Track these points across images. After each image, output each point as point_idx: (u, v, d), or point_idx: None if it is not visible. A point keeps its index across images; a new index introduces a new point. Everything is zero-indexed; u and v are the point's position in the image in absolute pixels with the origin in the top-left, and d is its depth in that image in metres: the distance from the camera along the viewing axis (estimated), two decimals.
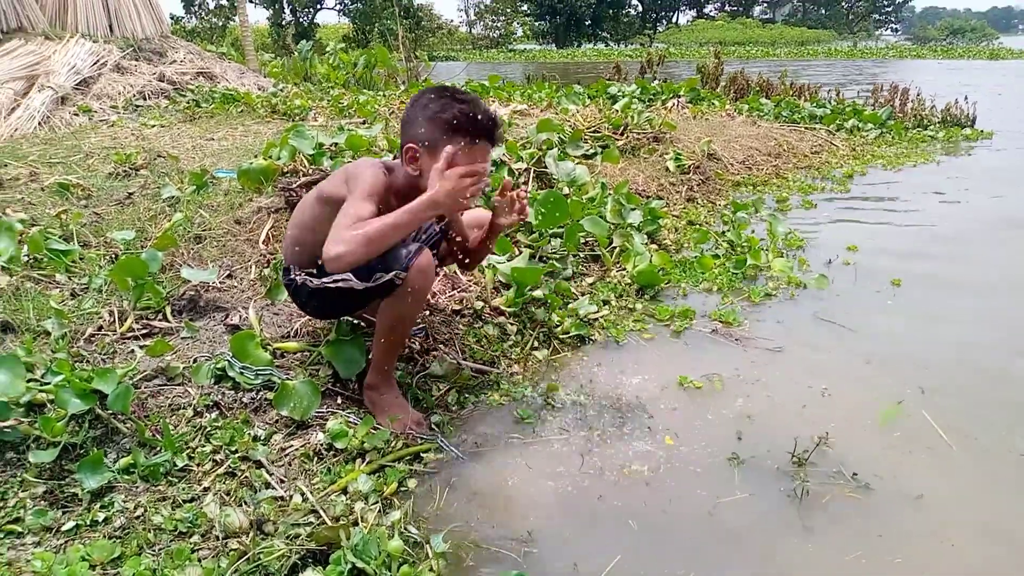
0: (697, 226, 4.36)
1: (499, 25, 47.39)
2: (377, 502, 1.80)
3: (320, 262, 2.07)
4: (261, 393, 2.13)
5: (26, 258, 2.59)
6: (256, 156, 3.78)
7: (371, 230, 1.84)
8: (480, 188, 1.95)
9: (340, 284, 2.09)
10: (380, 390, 2.20)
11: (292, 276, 2.21)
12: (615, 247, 3.65)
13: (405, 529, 1.72)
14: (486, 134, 1.98)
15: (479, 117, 1.96)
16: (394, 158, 2.01)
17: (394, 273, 2.00)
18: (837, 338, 2.94)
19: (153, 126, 5.41)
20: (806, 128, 7.75)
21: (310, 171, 3.53)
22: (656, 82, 9.20)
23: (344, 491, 1.83)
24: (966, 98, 9.22)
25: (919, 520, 1.87)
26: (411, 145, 1.98)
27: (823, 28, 57.59)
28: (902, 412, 2.35)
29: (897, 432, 2.26)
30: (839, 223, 4.65)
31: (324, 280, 2.13)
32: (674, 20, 61.11)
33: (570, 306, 3.02)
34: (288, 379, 2.13)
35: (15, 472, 1.76)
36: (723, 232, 4.10)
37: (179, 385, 2.10)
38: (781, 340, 2.89)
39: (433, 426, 2.19)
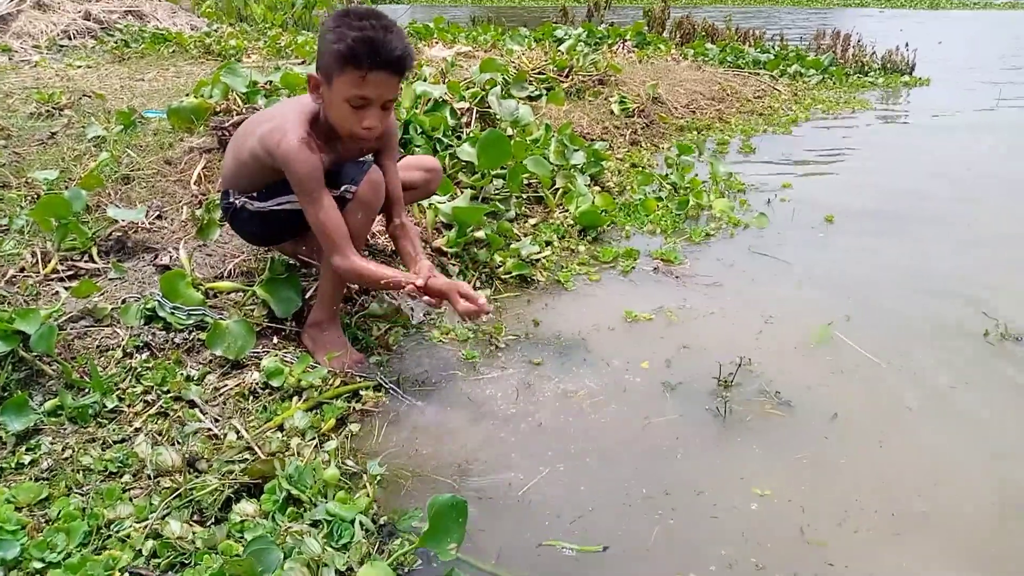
0: (640, 168, 4.37)
1: None
2: (314, 438, 1.79)
3: (260, 189, 2.14)
4: (194, 334, 2.08)
5: None
6: (187, 95, 3.63)
7: (366, 274, 2.01)
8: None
9: (286, 207, 2.10)
10: (323, 327, 2.17)
11: (231, 200, 2.19)
12: (558, 188, 3.64)
13: (342, 462, 1.73)
14: (383, 65, 1.81)
15: (374, 45, 1.78)
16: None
17: (344, 188, 2.01)
18: (772, 272, 3.02)
19: (79, 67, 5.15)
20: (750, 73, 7.79)
21: (243, 110, 3.41)
22: (603, 26, 9.11)
23: (280, 428, 1.82)
24: (906, 45, 9.36)
25: (833, 435, 1.97)
26: (312, 75, 1.92)
27: None
28: (830, 337, 2.44)
29: (825, 357, 2.36)
30: (778, 165, 4.73)
31: (268, 203, 2.13)
32: None
33: (512, 247, 3.01)
34: (221, 319, 2.09)
35: None
36: (666, 175, 4.12)
37: (107, 326, 2.04)
38: (720, 276, 2.95)
39: (372, 365, 2.18)
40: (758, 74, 7.82)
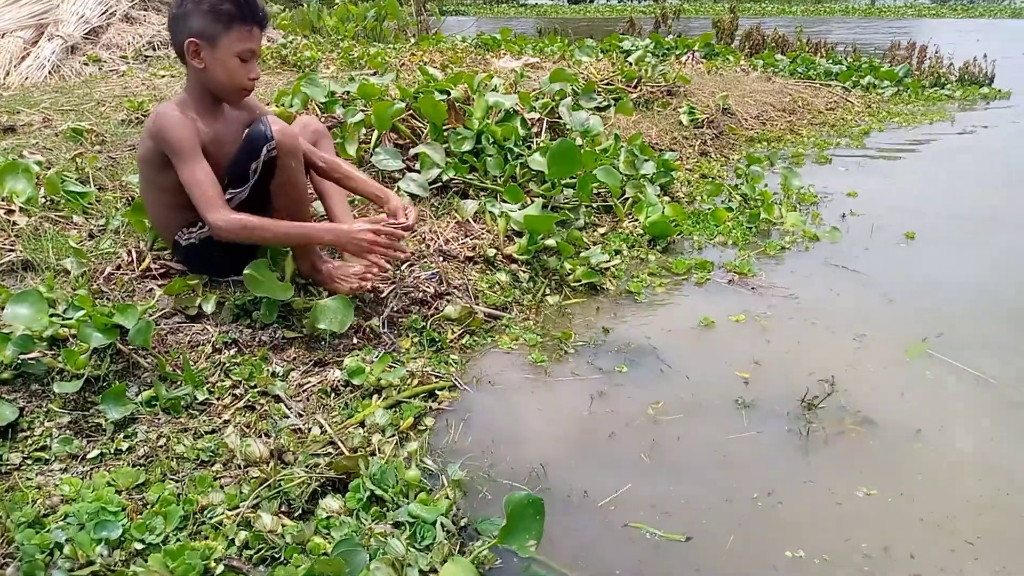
0: (710, 179, 4.34)
1: None
2: (394, 435, 1.84)
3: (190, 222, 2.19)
4: (279, 332, 2.16)
5: (43, 199, 2.60)
6: (268, 104, 3.76)
7: (256, 225, 2.04)
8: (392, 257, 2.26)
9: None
10: (317, 267, 2.33)
11: (187, 240, 2.21)
12: (628, 198, 3.64)
13: (421, 461, 1.76)
14: (264, 20, 2.09)
15: (255, 4, 2.05)
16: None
17: (264, 149, 2.05)
18: (852, 286, 2.96)
19: (163, 76, 5.38)
20: (821, 84, 7.65)
21: (322, 119, 3.51)
22: (670, 37, 9.07)
23: (361, 424, 1.86)
24: (984, 56, 9.05)
25: (919, 454, 1.91)
26: (193, 40, 2.03)
27: None
28: (925, 353, 2.38)
29: (909, 371, 2.30)
30: (853, 178, 4.62)
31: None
32: None
33: (582, 255, 3.03)
34: (319, 299, 2.21)
35: (40, 403, 1.79)
36: (736, 186, 4.08)
37: (197, 323, 2.12)
38: (798, 289, 2.90)
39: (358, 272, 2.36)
40: (830, 85, 7.67)
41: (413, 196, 3.15)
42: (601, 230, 3.41)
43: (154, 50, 6.58)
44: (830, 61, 8.68)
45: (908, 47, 9.56)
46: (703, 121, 5.22)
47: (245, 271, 2.11)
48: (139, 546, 1.43)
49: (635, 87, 5.29)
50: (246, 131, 2.10)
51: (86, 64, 5.77)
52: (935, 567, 1.54)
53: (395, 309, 2.41)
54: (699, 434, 1.99)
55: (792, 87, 7.08)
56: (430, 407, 2.02)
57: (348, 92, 3.86)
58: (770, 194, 3.87)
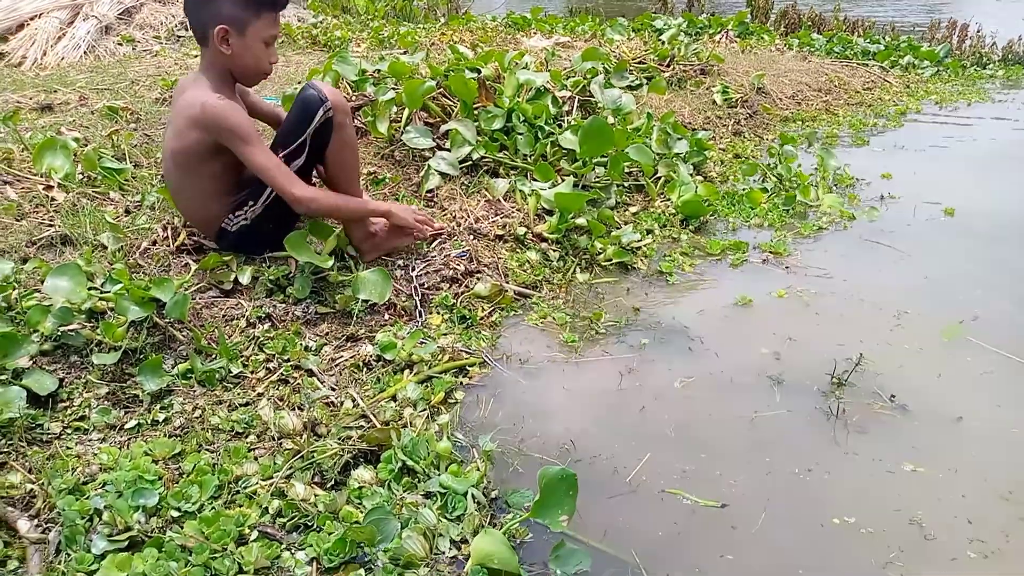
0: (744, 159, 4.27)
1: None
2: (425, 409, 1.84)
3: (236, 204, 2.20)
4: (312, 307, 2.17)
5: (81, 176, 2.64)
6: (300, 83, 3.77)
7: (340, 202, 2.23)
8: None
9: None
10: (370, 231, 2.39)
11: (236, 224, 2.22)
12: (660, 177, 3.60)
13: (452, 434, 1.77)
14: (283, 5, 2.12)
15: None
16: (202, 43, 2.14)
17: (320, 111, 2.09)
18: (890, 267, 2.90)
19: (195, 56, 5.42)
20: (858, 64, 7.47)
21: (353, 97, 3.51)
22: (704, 16, 8.91)
23: (393, 398, 1.87)
24: None
25: (953, 440, 1.89)
26: (223, 26, 2.03)
27: None
28: (961, 336, 2.34)
29: (944, 353, 2.26)
30: (889, 160, 4.51)
31: (262, 199, 2.17)
32: None
33: (613, 234, 3.00)
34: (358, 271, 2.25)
35: (79, 374, 1.83)
36: (771, 166, 4.01)
37: (232, 297, 2.14)
38: (834, 268, 2.85)
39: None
40: (867, 65, 7.49)
41: (444, 175, 3.14)
42: (633, 209, 3.38)
43: (186, 30, 6.63)
44: (868, 40, 8.47)
45: (949, 25, 9.30)
46: (737, 100, 5.13)
47: (287, 239, 2.13)
48: (175, 513, 1.46)
49: (668, 66, 5.21)
50: (297, 98, 2.15)
51: (120, 44, 5.83)
52: (1000, 532, 1.54)
53: (426, 286, 2.41)
54: (731, 409, 1.98)
55: (828, 66, 6.93)
56: (461, 382, 2.02)
57: (379, 70, 3.84)
58: (806, 176, 3.80)
